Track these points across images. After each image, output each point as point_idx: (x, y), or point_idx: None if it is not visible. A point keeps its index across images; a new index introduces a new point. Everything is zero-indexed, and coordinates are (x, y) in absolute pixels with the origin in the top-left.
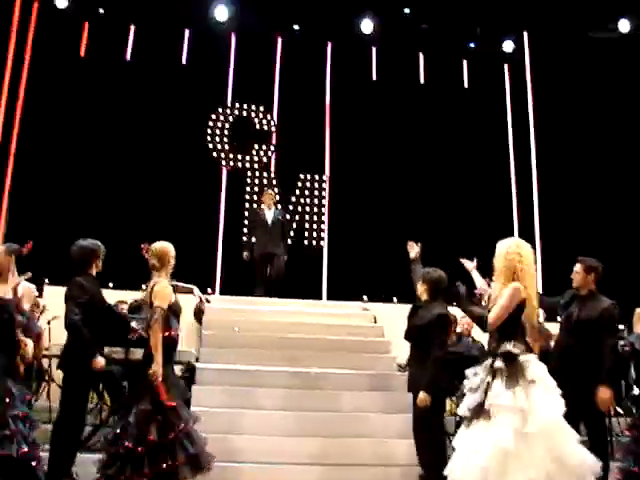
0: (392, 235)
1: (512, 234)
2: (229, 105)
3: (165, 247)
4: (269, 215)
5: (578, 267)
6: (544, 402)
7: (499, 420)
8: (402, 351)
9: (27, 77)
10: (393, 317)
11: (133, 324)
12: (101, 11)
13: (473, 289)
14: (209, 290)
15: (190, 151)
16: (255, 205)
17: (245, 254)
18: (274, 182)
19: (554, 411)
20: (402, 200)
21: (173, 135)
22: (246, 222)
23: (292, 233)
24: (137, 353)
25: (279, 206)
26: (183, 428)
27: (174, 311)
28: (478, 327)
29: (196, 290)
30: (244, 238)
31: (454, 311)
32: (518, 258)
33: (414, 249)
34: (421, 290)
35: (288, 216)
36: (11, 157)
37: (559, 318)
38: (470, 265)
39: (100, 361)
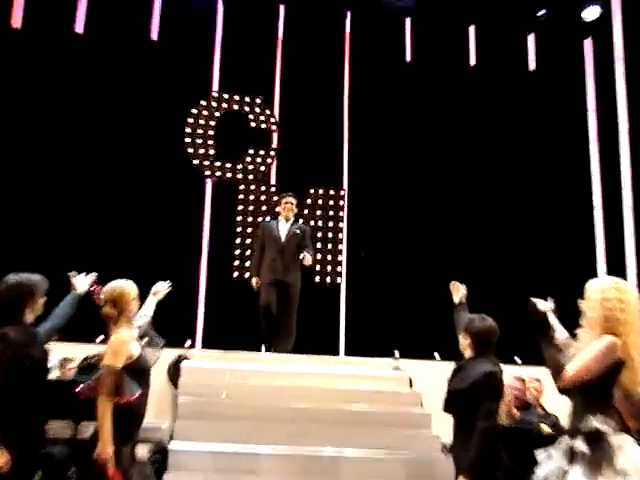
0: (431, 270)
1: (595, 267)
2: (215, 96)
3: (122, 287)
4: (283, 229)
5: None
6: None
7: None
8: (447, 426)
9: None
10: (434, 380)
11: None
12: None
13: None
14: (188, 342)
15: (163, 157)
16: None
17: (255, 280)
18: (275, 198)
19: None
20: (444, 223)
21: (140, 136)
22: (237, 252)
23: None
24: (89, 428)
25: (300, 220)
26: None
27: (137, 371)
28: (552, 378)
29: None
30: (243, 260)
31: (517, 372)
32: (619, 305)
33: (459, 291)
34: (464, 344)
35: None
36: None
37: None
38: (545, 307)
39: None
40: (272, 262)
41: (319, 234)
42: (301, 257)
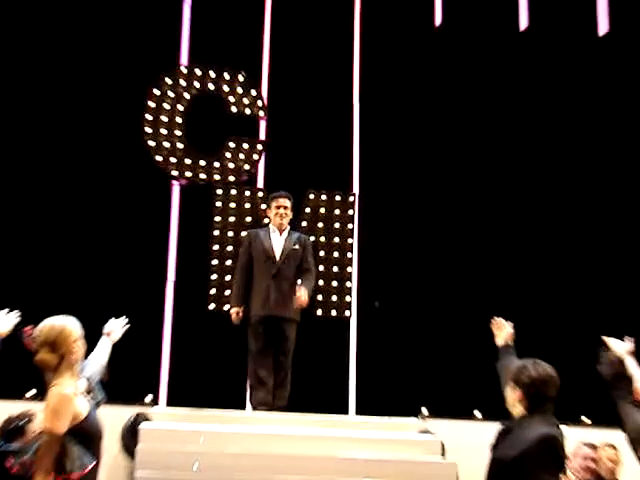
0: (468, 303)
1: None
2: (184, 72)
3: (62, 326)
4: (278, 244)
5: None
6: None
7: None
8: None
9: None
10: (474, 446)
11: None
12: None
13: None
14: (148, 397)
15: (116, 153)
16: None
17: (234, 310)
18: (263, 206)
19: None
20: (486, 240)
21: (85, 124)
22: (214, 277)
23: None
24: None
25: (298, 233)
26: None
27: (86, 435)
28: (631, 445)
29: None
30: (221, 288)
31: (585, 436)
32: None
33: (503, 330)
34: (512, 398)
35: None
36: None
37: None
38: (621, 348)
39: None
40: (264, 291)
41: (321, 253)
42: (297, 295)
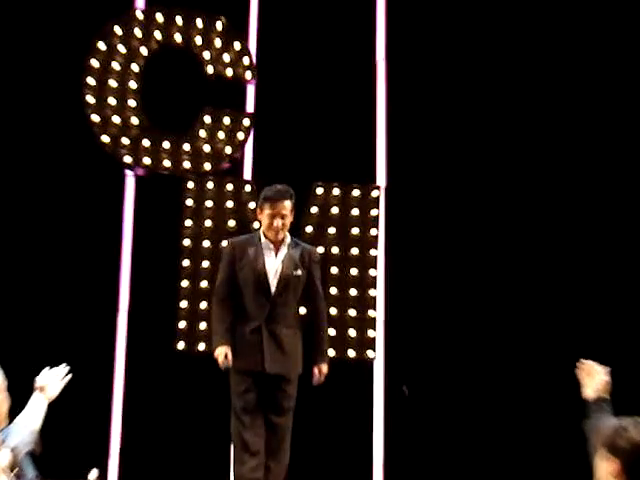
0: (540, 337)
1: None
2: (139, 17)
3: None
4: (272, 265)
5: None
6: None
7: None
8: None
9: None
10: None
11: None
12: None
13: None
14: (94, 473)
15: (48, 132)
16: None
17: (220, 352)
18: (251, 204)
19: None
20: (565, 245)
21: (7, 93)
22: (184, 305)
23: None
24: None
25: (301, 246)
26: None
27: None
28: None
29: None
30: (193, 318)
31: None
32: None
33: (594, 377)
34: (606, 472)
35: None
36: None
37: None
38: None
39: None
40: (253, 336)
41: (334, 270)
42: (315, 374)
